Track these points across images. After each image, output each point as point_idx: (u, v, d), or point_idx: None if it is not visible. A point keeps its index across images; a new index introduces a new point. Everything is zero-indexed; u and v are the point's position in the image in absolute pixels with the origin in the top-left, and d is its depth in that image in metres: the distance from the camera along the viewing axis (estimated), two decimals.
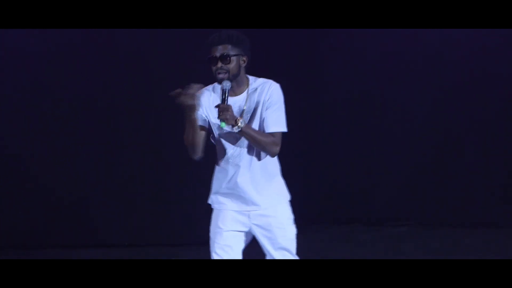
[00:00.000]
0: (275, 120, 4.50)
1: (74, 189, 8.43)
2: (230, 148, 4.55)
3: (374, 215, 9.49)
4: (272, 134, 4.49)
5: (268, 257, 4.64)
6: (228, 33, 4.52)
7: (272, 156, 4.55)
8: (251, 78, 4.58)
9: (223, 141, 4.56)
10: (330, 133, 9.63)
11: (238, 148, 4.53)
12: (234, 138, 4.53)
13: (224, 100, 4.43)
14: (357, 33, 9.04)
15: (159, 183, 8.46)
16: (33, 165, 8.40)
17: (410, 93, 9.28)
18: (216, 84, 4.57)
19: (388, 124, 9.40)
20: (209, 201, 4.68)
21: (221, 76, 4.46)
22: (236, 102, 4.51)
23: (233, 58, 4.47)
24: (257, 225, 4.59)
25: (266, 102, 4.50)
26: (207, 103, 4.56)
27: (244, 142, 4.51)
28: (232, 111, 4.41)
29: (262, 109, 4.51)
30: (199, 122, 4.53)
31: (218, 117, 4.40)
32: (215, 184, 4.65)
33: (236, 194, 4.57)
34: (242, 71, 4.54)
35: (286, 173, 4.68)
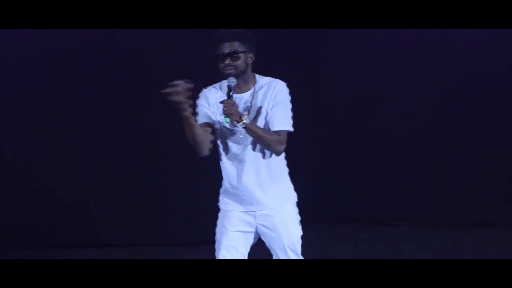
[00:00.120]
0: (281, 119, 4.50)
1: (74, 189, 8.43)
2: (234, 145, 4.54)
3: (374, 215, 9.48)
4: (277, 132, 4.49)
5: (274, 257, 4.64)
6: (235, 30, 4.54)
7: (277, 154, 4.53)
8: (258, 76, 4.59)
9: (228, 139, 4.55)
10: (330, 133, 9.62)
11: (242, 146, 4.53)
12: (238, 136, 4.52)
13: (229, 96, 4.43)
14: (357, 33, 9.03)
15: (159, 183, 8.46)
16: (33, 165, 8.40)
17: (410, 93, 9.28)
18: (223, 82, 4.57)
19: (388, 124, 9.39)
20: (218, 202, 4.69)
21: (228, 72, 4.46)
22: (242, 99, 4.51)
23: (241, 55, 4.48)
24: (262, 225, 4.59)
25: (272, 100, 4.50)
26: (213, 100, 4.57)
27: (248, 139, 4.51)
28: (237, 107, 4.41)
29: (267, 107, 4.51)
30: (204, 119, 4.54)
31: (223, 113, 4.40)
32: (223, 184, 4.65)
33: (242, 194, 4.56)
34: (249, 68, 4.55)
35: None
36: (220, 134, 4.58)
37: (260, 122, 4.50)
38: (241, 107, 4.47)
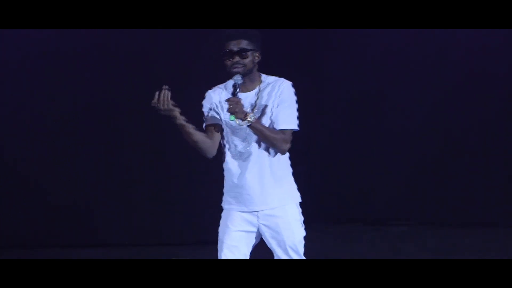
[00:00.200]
0: (285, 118, 4.50)
1: (74, 189, 8.43)
2: (239, 144, 4.53)
3: (374, 215, 9.49)
4: (282, 131, 4.49)
5: (276, 257, 4.63)
6: (243, 29, 4.55)
7: (282, 153, 4.53)
8: (263, 75, 4.59)
9: (233, 137, 4.54)
10: (330, 133, 9.63)
11: (247, 144, 4.52)
12: (243, 134, 4.51)
13: (234, 94, 4.43)
14: (357, 33, 9.04)
15: (159, 183, 8.46)
16: (33, 165, 8.41)
17: (410, 93, 9.28)
18: (228, 82, 4.57)
19: (388, 124, 9.40)
20: (222, 202, 4.69)
21: (237, 69, 4.46)
22: (247, 97, 4.51)
23: (249, 53, 4.49)
24: (265, 225, 4.57)
25: (277, 99, 4.50)
26: (217, 100, 4.57)
27: (253, 138, 4.50)
28: (242, 105, 4.40)
29: (272, 106, 4.50)
30: (211, 121, 4.54)
31: (228, 110, 4.40)
32: (226, 183, 4.64)
33: (245, 193, 4.55)
34: (256, 67, 4.55)
35: None
36: (224, 132, 4.58)
37: (265, 121, 4.50)
38: (246, 106, 4.46)
